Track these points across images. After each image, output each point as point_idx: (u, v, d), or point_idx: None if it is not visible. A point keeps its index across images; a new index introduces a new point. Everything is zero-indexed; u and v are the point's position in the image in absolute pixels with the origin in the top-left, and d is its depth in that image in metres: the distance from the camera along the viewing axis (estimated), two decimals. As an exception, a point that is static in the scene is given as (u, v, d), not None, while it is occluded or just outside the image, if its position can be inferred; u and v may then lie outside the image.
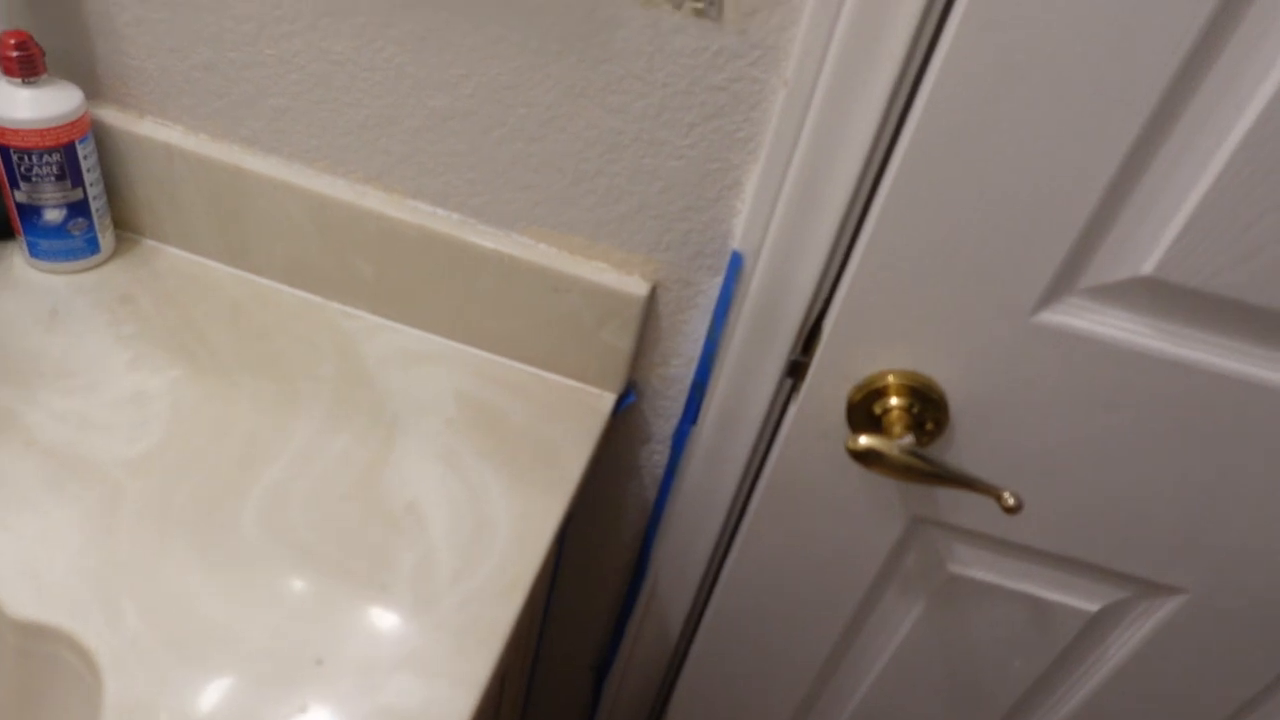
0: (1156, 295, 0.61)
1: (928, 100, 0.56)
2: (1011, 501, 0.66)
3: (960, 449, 0.72)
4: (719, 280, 0.75)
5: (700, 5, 0.62)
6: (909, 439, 0.67)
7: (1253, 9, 0.49)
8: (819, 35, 0.59)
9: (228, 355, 0.78)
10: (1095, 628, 0.83)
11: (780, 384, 0.76)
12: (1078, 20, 0.51)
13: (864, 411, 0.71)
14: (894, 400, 0.69)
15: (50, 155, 0.73)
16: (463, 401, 0.79)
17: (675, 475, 0.89)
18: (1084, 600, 0.81)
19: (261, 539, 0.65)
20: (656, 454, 0.90)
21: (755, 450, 0.83)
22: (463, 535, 0.69)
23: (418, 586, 0.65)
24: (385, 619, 0.63)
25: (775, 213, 0.68)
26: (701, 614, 0.98)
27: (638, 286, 0.76)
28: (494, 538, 0.70)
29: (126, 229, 0.85)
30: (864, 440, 0.66)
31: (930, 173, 0.59)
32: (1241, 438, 0.65)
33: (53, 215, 0.77)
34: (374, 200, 0.78)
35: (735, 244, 0.72)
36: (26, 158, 0.73)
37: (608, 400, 0.83)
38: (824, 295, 0.71)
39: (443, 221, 0.78)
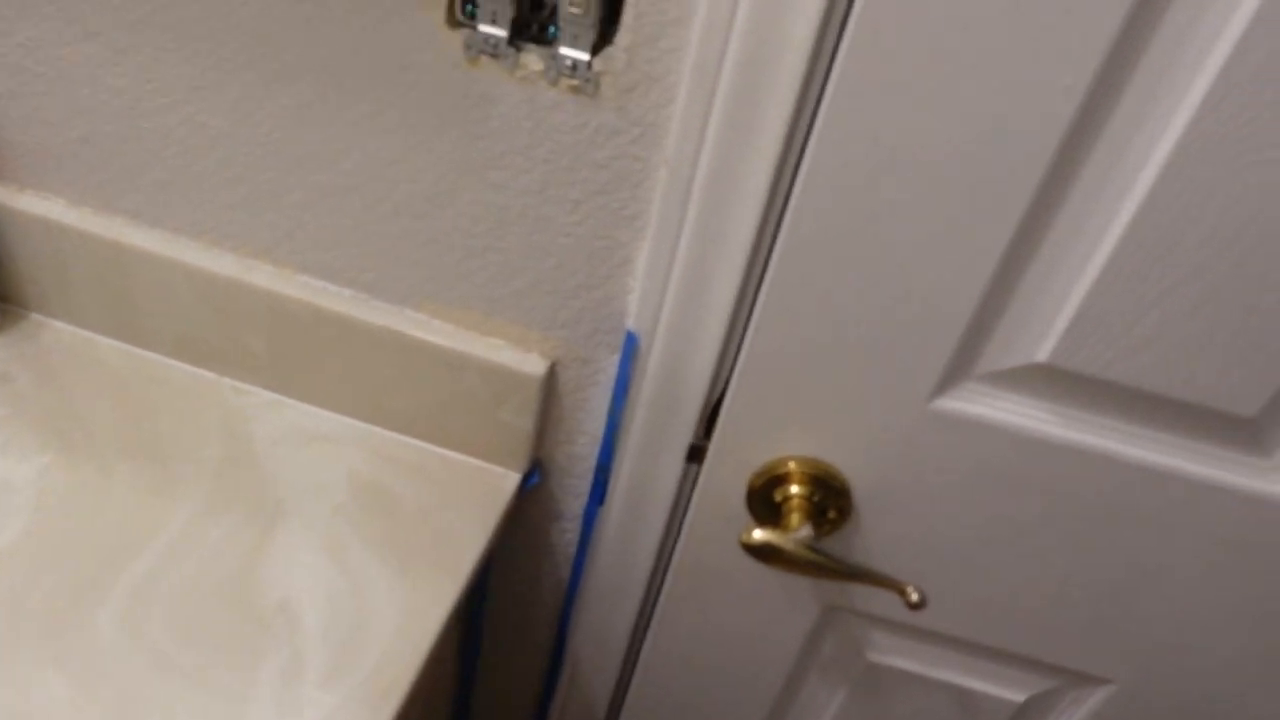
0: (1054, 381, 0.58)
1: (801, 190, 0.53)
2: (915, 597, 0.63)
3: (866, 537, 0.68)
4: (618, 358, 0.72)
5: (576, 82, 0.59)
6: (805, 531, 0.63)
7: (1128, 92, 0.47)
8: (696, 113, 0.57)
9: (105, 438, 0.74)
10: (1023, 718, 0.79)
11: (686, 467, 0.73)
12: (949, 109, 0.49)
13: (764, 499, 0.67)
14: (794, 488, 0.66)
15: (-84, 232, 0.70)
16: (355, 484, 0.76)
17: (587, 554, 0.85)
18: (1010, 690, 0.77)
19: (116, 644, 0.61)
20: (568, 532, 0.86)
21: (668, 532, 0.79)
22: (338, 635, 0.65)
23: (282, 694, 0.61)
24: (240, 733, 0.58)
25: (668, 292, 0.65)
26: (624, 698, 0.93)
27: (535, 365, 0.73)
28: (374, 636, 0.66)
29: (11, 303, 0.82)
30: (758, 534, 0.62)
31: (810, 261, 0.56)
32: (1147, 526, 0.62)
33: (-77, 293, 0.74)
34: (262, 275, 0.75)
35: (630, 323, 0.69)
36: (-110, 235, 0.70)
37: (512, 480, 0.79)
38: (724, 378, 0.68)
39: (334, 297, 0.75)
